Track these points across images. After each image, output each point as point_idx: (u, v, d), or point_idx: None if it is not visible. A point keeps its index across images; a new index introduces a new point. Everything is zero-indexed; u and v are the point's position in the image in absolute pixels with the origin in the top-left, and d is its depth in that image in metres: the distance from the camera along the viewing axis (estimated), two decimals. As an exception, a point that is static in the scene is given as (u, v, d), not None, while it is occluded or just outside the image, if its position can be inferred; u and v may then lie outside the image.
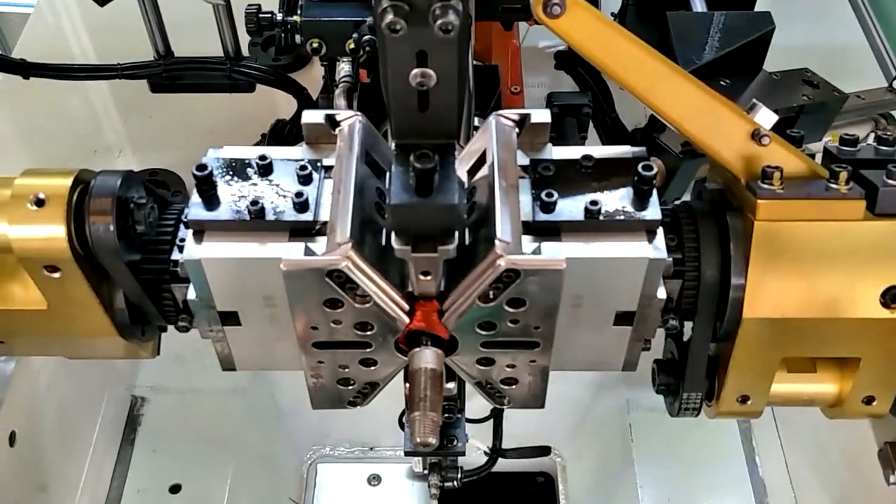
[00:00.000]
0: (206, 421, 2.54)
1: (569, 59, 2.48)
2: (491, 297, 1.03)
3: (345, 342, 1.11)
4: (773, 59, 1.97)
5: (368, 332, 1.09)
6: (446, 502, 2.48)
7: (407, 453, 1.72)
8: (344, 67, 1.92)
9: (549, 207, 1.04)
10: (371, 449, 2.62)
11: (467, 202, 1.11)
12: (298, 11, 1.83)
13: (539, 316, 1.05)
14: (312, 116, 1.15)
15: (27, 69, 2.28)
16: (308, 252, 1.02)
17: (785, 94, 1.90)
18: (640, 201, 1.04)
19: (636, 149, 1.10)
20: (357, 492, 2.56)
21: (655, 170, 1.03)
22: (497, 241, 0.99)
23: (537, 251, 1.01)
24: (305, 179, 1.09)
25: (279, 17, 2.00)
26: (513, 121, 1.13)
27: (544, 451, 2.54)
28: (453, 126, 0.97)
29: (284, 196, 1.07)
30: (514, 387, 1.17)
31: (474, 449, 2.37)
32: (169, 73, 2.41)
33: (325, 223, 1.05)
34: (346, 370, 1.15)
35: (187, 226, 1.07)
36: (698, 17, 2.00)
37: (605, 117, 2.38)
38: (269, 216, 1.05)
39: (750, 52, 1.94)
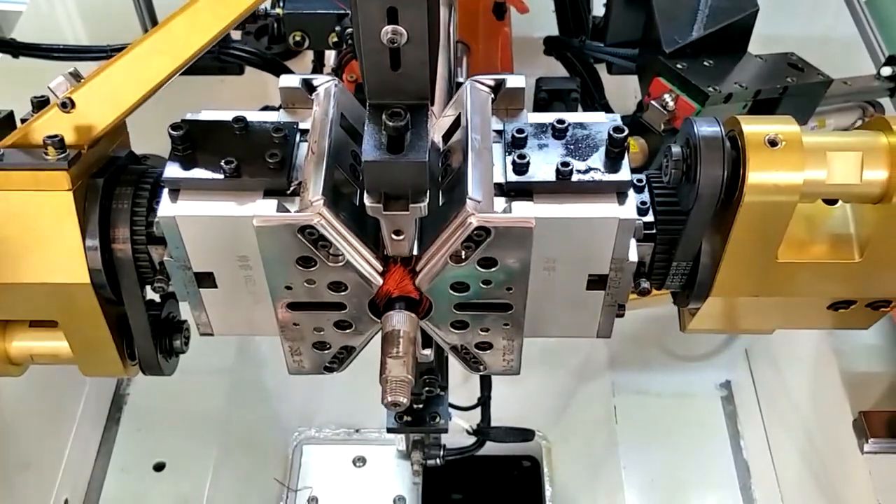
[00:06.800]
0: (192, 401, 2.55)
1: (557, 45, 2.48)
2: (463, 256, 1.03)
3: (319, 303, 1.11)
4: (765, 48, 1.97)
5: (342, 293, 1.09)
6: (431, 486, 2.49)
7: (389, 430, 1.73)
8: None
9: (521, 169, 1.05)
10: (357, 431, 2.62)
11: (442, 165, 1.11)
12: (281, 4, 1.83)
13: (511, 276, 1.06)
14: (289, 81, 1.16)
15: (17, 49, 2.28)
16: (281, 209, 1.03)
17: (769, 75, 1.91)
18: (612, 164, 1.05)
19: (609, 115, 1.11)
20: (342, 473, 2.56)
21: (626, 133, 1.04)
22: (468, 200, 1.00)
23: (508, 210, 1.02)
24: (281, 141, 1.09)
25: (262, 9, 2.00)
26: (488, 86, 1.13)
27: (528, 434, 2.55)
28: (426, 86, 0.97)
29: (260, 157, 1.07)
30: (488, 352, 1.18)
31: (459, 430, 2.37)
32: (158, 55, 2.41)
33: (299, 184, 1.06)
34: (322, 333, 1.16)
35: (162, 185, 1.08)
36: (684, -2, 2.01)
37: (595, 103, 2.38)
38: (244, 176, 1.06)
39: (734, 34, 1.94)
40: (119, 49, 2.29)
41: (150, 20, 2.38)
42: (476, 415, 2.33)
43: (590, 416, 2.64)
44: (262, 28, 2.57)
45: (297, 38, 1.85)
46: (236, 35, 2.51)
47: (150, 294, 1.27)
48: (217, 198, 1.06)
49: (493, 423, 2.36)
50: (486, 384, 2.28)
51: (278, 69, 2.37)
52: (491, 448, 2.43)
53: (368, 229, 1.08)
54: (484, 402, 2.32)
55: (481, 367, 1.20)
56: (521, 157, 1.05)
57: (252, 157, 1.08)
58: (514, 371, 1.21)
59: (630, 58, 2.22)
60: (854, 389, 2.05)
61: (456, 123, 1.12)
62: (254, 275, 1.12)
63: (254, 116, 1.13)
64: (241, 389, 2.58)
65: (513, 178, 1.05)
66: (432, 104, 1.02)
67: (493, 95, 1.13)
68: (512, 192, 1.05)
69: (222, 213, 1.06)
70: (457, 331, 1.14)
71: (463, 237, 1.01)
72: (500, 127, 1.11)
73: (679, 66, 1.87)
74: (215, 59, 2.40)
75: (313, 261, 1.05)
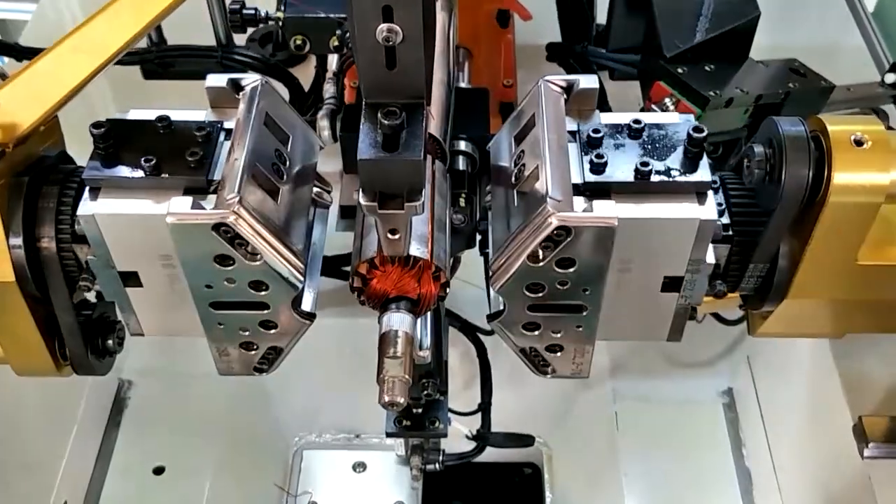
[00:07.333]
0: (192, 405, 2.53)
1: (560, 51, 2.49)
2: (540, 256, 1.03)
3: (241, 303, 1.12)
4: (771, 57, 1.99)
5: (264, 292, 1.10)
6: (431, 492, 2.48)
7: (388, 434, 1.72)
8: (329, 89, 1.93)
9: (598, 169, 1.05)
10: (357, 436, 2.61)
11: (515, 165, 1.11)
12: (282, 8, 1.83)
13: (588, 277, 1.05)
14: (215, 80, 1.17)
15: (21, 53, 2.27)
16: (196, 206, 1.03)
17: (771, 80, 1.91)
18: (691, 164, 1.05)
19: (684, 115, 1.11)
20: (342, 478, 2.55)
21: (706, 133, 1.05)
22: (549, 199, 1.00)
23: (588, 209, 1.02)
24: (204, 139, 1.11)
25: (263, 13, 2.00)
26: (560, 87, 1.14)
27: (527, 439, 2.54)
28: (421, 85, 0.96)
29: (181, 155, 1.08)
30: (558, 354, 1.17)
31: (459, 436, 2.37)
32: (161, 60, 2.40)
33: (219, 182, 1.07)
34: (247, 333, 1.16)
35: (84, 183, 1.08)
36: (684, 2, 2.02)
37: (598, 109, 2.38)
38: (164, 174, 1.07)
39: (735, 39, 1.96)
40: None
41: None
42: (476, 420, 2.33)
43: (591, 423, 2.64)
44: (267, 35, 2.57)
45: (298, 42, 1.84)
46: (240, 41, 2.50)
47: (89, 294, 1.26)
48: (136, 196, 1.07)
49: (493, 429, 2.36)
50: (486, 390, 2.28)
51: (282, 75, 2.37)
52: (492, 454, 2.42)
53: (296, 230, 1.09)
54: (484, 408, 2.32)
55: (549, 370, 1.20)
56: (599, 156, 1.05)
57: (173, 155, 1.09)
58: (583, 375, 1.21)
59: (632, 63, 2.23)
60: (853, 394, 2.07)
61: (529, 123, 1.12)
62: (177, 273, 1.11)
63: (179, 115, 1.14)
64: (241, 394, 2.55)
65: (590, 177, 1.05)
66: (428, 104, 1.02)
67: (565, 96, 1.14)
68: (588, 191, 1.05)
69: (140, 212, 1.06)
70: (528, 333, 1.14)
71: (542, 237, 1.00)
72: (573, 127, 1.11)
73: (679, 70, 1.87)
74: (218, 65, 2.39)
75: (231, 259, 1.05)
